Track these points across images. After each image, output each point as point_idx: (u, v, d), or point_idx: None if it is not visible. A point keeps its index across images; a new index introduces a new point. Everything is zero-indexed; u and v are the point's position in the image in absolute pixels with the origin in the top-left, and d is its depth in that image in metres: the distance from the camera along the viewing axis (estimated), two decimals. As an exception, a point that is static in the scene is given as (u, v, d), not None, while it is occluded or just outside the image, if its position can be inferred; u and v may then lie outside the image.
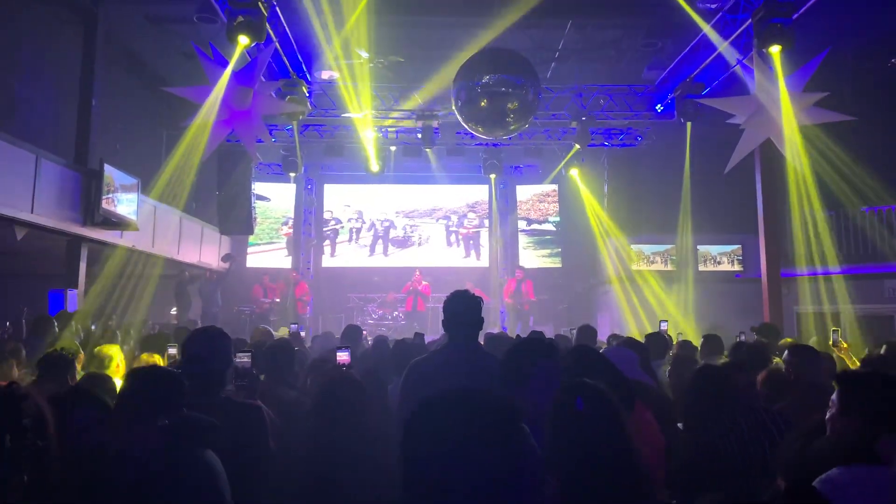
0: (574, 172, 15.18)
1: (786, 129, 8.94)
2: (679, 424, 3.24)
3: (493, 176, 15.63)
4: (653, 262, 15.30)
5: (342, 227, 17.80)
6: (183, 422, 2.25)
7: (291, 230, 17.20)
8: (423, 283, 14.98)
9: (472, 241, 17.88)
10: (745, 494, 2.62)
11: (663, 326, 7.48)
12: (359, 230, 17.79)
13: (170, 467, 2.10)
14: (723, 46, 9.88)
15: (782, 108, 8.80)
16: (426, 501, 1.12)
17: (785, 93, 8.77)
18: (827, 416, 2.23)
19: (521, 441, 1.17)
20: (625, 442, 1.83)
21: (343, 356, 4.13)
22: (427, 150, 13.90)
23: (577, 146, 13.47)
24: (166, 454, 2.11)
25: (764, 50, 8.45)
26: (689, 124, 11.86)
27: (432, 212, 18.00)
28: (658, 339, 6.04)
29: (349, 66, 12.88)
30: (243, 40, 8.21)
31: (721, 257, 15.03)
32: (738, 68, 9.95)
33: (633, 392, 2.58)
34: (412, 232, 17.87)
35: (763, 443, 2.75)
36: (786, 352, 3.96)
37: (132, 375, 2.51)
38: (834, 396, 2.22)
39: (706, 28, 9.66)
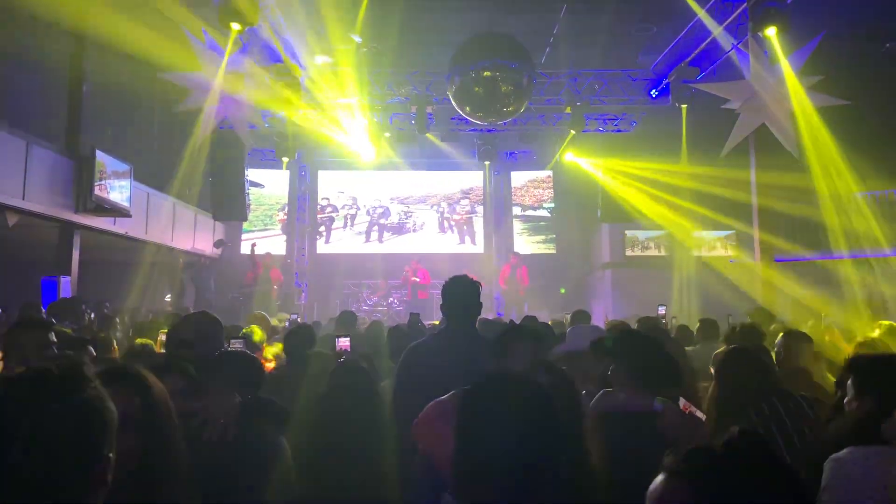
0: (570, 156, 15.13)
1: (795, 107, 8.95)
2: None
3: (487, 162, 15.60)
4: (647, 248, 15.33)
5: (337, 215, 17.75)
6: (264, 402, 2.40)
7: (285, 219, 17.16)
8: (421, 270, 14.98)
9: (465, 228, 17.87)
10: None
11: (661, 311, 7.49)
12: (353, 217, 17.75)
13: (248, 439, 2.19)
14: (717, 31, 9.84)
15: (788, 86, 8.78)
16: (478, 479, 1.24)
17: (790, 72, 8.75)
18: (844, 400, 2.26)
19: (557, 423, 1.31)
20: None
21: (343, 342, 4.13)
22: (421, 135, 13.83)
23: (573, 132, 13.43)
24: (247, 427, 2.20)
25: (759, 34, 8.42)
26: (684, 109, 11.83)
27: (426, 198, 17.96)
28: (652, 324, 6.04)
29: (343, 51, 12.79)
30: (235, 25, 8.14)
31: (715, 242, 15.07)
32: (733, 53, 9.92)
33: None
34: (407, 218, 17.85)
35: (800, 428, 2.65)
36: (780, 335, 3.97)
37: (220, 355, 2.64)
38: (849, 380, 2.25)
39: (700, 13, 9.62)
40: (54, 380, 1.11)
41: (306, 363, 3.97)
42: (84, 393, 1.12)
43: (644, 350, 2.70)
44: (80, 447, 1.09)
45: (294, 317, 8.69)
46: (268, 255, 14.94)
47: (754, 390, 2.77)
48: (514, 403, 1.29)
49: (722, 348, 3.69)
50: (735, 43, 9.72)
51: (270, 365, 4.88)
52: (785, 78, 8.78)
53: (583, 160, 15.03)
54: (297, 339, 4.44)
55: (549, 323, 6.66)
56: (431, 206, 17.93)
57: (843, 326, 6.88)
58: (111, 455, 1.13)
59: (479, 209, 17.98)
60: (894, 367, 2.20)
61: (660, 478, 1.00)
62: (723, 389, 2.90)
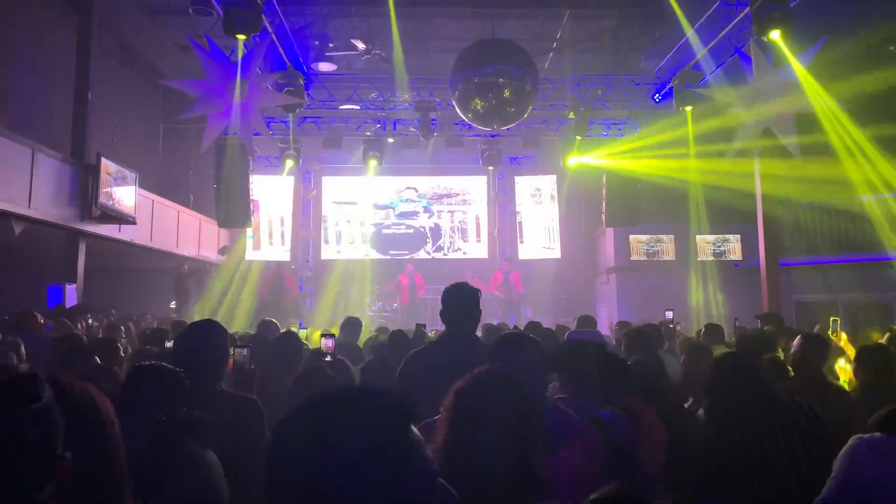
0: (575, 160, 15.11)
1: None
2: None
3: (491, 167, 15.60)
4: (652, 253, 15.30)
5: (340, 222, 17.78)
6: (174, 416, 2.24)
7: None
8: (416, 274, 15.01)
9: (469, 233, 17.87)
10: (773, 493, 2.56)
11: (669, 315, 7.45)
12: (357, 222, 17.76)
13: (159, 461, 2.07)
14: (721, 35, 9.85)
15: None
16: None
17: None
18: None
19: (404, 450, 0.98)
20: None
21: (328, 343, 4.12)
22: (425, 141, 13.85)
23: (578, 138, 13.42)
24: (155, 448, 2.09)
25: (763, 38, 8.41)
26: (689, 113, 11.81)
27: (431, 203, 17.97)
28: (655, 330, 6.04)
29: (346, 57, 12.85)
30: (239, 33, 8.17)
31: (720, 246, 15.03)
32: (736, 56, 9.91)
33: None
34: (412, 221, 17.85)
35: (794, 437, 2.63)
36: (797, 339, 3.95)
37: (134, 371, 2.52)
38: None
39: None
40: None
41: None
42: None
43: (584, 359, 2.74)
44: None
45: (300, 323, 8.68)
46: (271, 274, 15.07)
47: (738, 394, 2.79)
48: (337, 427, 0.95)
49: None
50: (739, 46, 9.72)
51: None
52: (795, 80, 8.75)
53: (587, 158, 15.02)
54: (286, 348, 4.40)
55: (553, 329, 6.66)
56: (435, 212, 17.94)
57: (850, 331, 6.86)
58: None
59: (483, 214, 17.97)
60: None
61: None
62: (713, 393, 2.94)
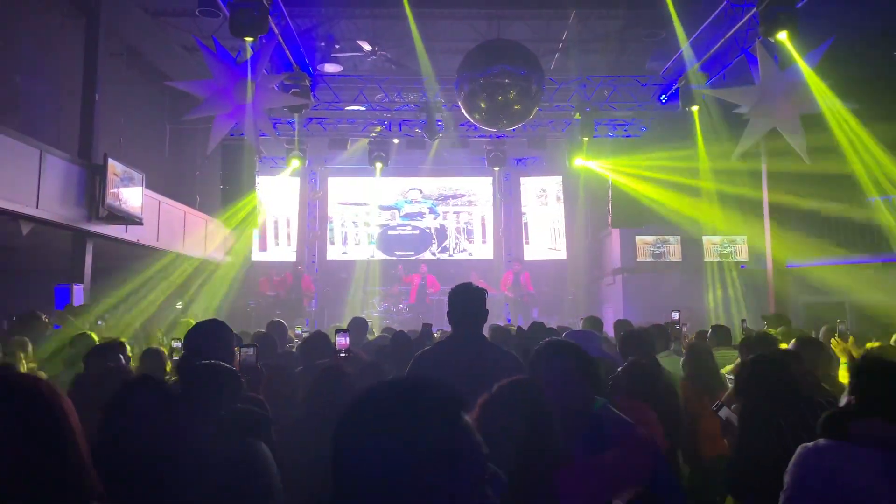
0: (580, 161, 15.10)
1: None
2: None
3: (497, 168, 15.60)
4: (658, 254, 15.26)
5: (346, 223, 17.81)
6: (238, 414, 2.29)
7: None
8: (429, 275, 15.01)
9: (475, 233, 17.87)
10: None
11: (675, 316, 7.42)
12: (362, 223, 17.79)
13: (225, 456, 2.17)
14: (727, 36, 9.82)
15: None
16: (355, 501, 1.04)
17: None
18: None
19: (461, 435, 1.06)
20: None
21: (342, 341, 4.10)
22: (431, 142, 13.85)
23: (585, 139, 13.40)
24: (223, 444, 2.19)
25: (770, 38, 8.39)
26: (696, 113, 11.77)
27: (436, 204, 17.98)
28: (662, 330, 6.02)
29: (352, 58, 12.87)
30: (246, 34, 8.19)
31: (727, 248, 14.97)
32: (742, 57, 9.89)
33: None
34: (418, 222, 17.87)
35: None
36: (792, 342, 3.94)
37: (196, 369, 2.58)
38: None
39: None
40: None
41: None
42: None
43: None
44: None
45: (306, 322, 8.70)
46: (288, 274, 15.15)
47: (781, 400, 2.74)
48: (397, 417, 1.04)
49: (737, 359, 3.66)
50: (745, 47, 9.70)
51: None
52: (802, 80, 8.71)
53: (593, 164, 15.00)
54: (312, 346, 4.44)
55: (556, 328, 6.66)
56: (441, 213, 17.95)
57: (857, 333, 6.81)
58: None
59: (489, 215, 17.97)
60: (882, 375, 2.24)
61: None
62: (748, 400, 2.87)
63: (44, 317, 6.33)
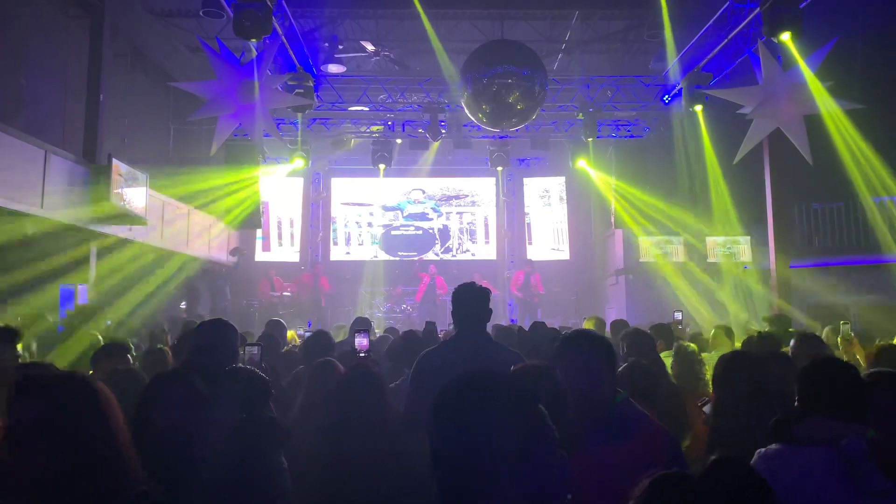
0: (583, 163, 15.10)
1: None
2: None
3: (500, 168, 15.60)
4: (661, 254, 15.23)
5: (349, 223, 17.83)
6: (266, 422, 2.32)
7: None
8: (438, 277, 15.02)
9: (478, 234, 17.88)
10: None
11: (677, 316, 7.44)
12: (366, 223, 17.81)
13: (246, 463, 2.19)
14: (730, 36, 9.82)
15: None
16: (454, 480, 1.19)
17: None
18: None
19: (539, 421, 1.25)
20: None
21: (362, 341, 4.04)
22: (434, 142, 13.87)
23: (589, 140, 13.40)
24: (245, 451, 2.21)
25: (773, 39, 8.38)
26: (700, 113, 11.75)
27: (439, 205, 18.00)
28: (665, 330, 6.01)
29: (356, 59, 12.89)
30: (250, 35, 8.21)
31: (730, 248, 14.93)
32: (746, 57, 9.88)
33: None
34: (420, 223, 17.88)
35: None
36: (792, 340, 3.95)
37: (228, 371, 2.61)
38: None
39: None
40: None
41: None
42: None
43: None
44: None
45: (308, 324, 8.73)
46: (307, 274, 15.21)
47: (748, 396, 2.75)
48: (486, 403, 1.23)
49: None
50: (748, 47, 9.69)
51: None
52: (805, 81, 8.69)
53: (595, 168, 15.02)
54: (316, 346, 4.44)
55: (558, 329, 6.66)
56: (444, 213, 17.96)
57: (863, 333, 6.80)
58: None
59: (492, 216, 17.98)
60: (815, 373, 2.29)
61: None
62: (718, 395, 2.89)
63: (49, 318, 6.37)
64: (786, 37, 8.24)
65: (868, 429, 2.07)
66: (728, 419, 2.76)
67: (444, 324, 7.31)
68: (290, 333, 7.87)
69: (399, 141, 14.72)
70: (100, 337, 4.89)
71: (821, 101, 8.75)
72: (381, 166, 14.35)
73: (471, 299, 3.31)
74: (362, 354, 3.97)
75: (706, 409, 3.24)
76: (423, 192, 17.96)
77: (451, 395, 1.26)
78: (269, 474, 2.25)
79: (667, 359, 4.77)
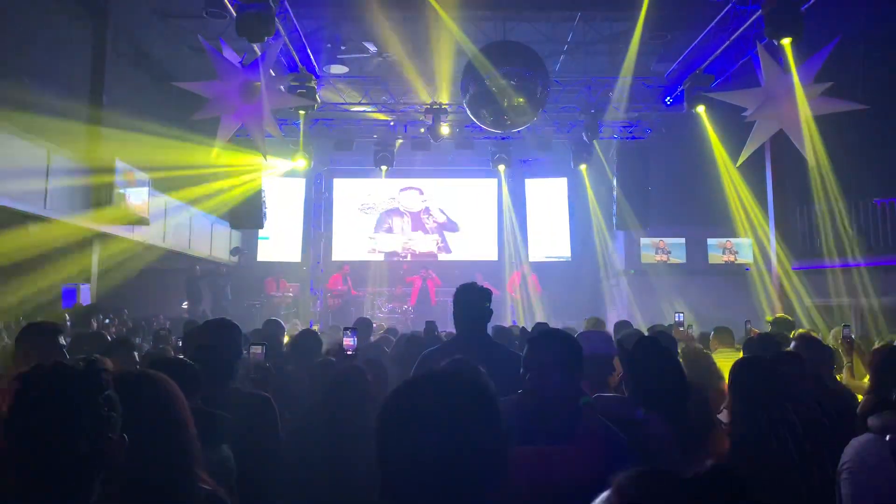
0: (583, 168, 15.12)
1: (801, 120, 8.87)
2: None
3: (502, 169, 15.61)
4: (662, 255, 15.25)
5: (351, 224, 17.84)
6: (196, 414, 2.27)
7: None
8: (429, 279, 15.06)
9: (473, 235, 17.90)
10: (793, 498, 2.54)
11: (679, 318, 7.43)
12: (367, 223, 17.82)
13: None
14: (732, 38, 9.82)
15: (797, 99, 8.70)
16: (400, 480, 1.14)
17: (798, 85, 8.68)
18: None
19: (494, 418, 1.19)
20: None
21: (349, 341, 4.07)
22: (436, 143, 13.87)
23: (594, 142, 13.40)
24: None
25: (774, 41, 8.37)
26: (703, 113, 11.74)
27: (441, 206, 18.01)
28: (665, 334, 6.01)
29: (358, 60, 12.90)
30: (252, 36, 8.23)
31: (732, 249, 14.96)
32: (748, 59, 9.88)
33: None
34: (422, 224, 17.89)
35: (818, 444, 2.63)
36: (793, 341, 3.95)
37: (150, 365, 2.57)
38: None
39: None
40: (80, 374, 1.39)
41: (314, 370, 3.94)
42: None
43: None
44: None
45: (311, 323, 8.75)
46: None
47: (764, 398, 2.75)
48: (438, 401, 1.17)
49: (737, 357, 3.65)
50: (750, 49, 9.69)
51: None
52: (808, 83, 8.69)
53: (598, 167, 15.03)
54: (304, 345, 4.44)
55: (561, 329, 6.64)
56: (446, 214, 17.97)
57: (864, 335, 6.82)
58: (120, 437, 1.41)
59: (494, 216, 17.99)
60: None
61: (603, 496, 0.87)
62: (735, 399, 2.88)
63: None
64: (786, 41, 8.24)
65: None
66: (748, 424, 2.75)
67: (443, 325, 7.30)
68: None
69: (400, 140, 14.68)
70: (107, 336, 4.90)
71: (802, 109, 8.74)
72: (383, 167, 14.36)
73: (471, 300, 3.32)
74: (349, 353, 4.00)
75: (722, 416, 3.23)
76: (426, 193, 17.97)
77: (404, 394, 1.21)
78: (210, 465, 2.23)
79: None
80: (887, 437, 2.17)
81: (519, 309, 15.10)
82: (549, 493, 2.00)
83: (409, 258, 17.16)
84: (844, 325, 6.26)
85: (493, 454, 1.16)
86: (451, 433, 1.13)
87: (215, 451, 2.23)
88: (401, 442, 1.14)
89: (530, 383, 2.25)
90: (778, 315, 9.06)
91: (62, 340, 3.22)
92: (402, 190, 17.86)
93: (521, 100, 9.75)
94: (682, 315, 7.56)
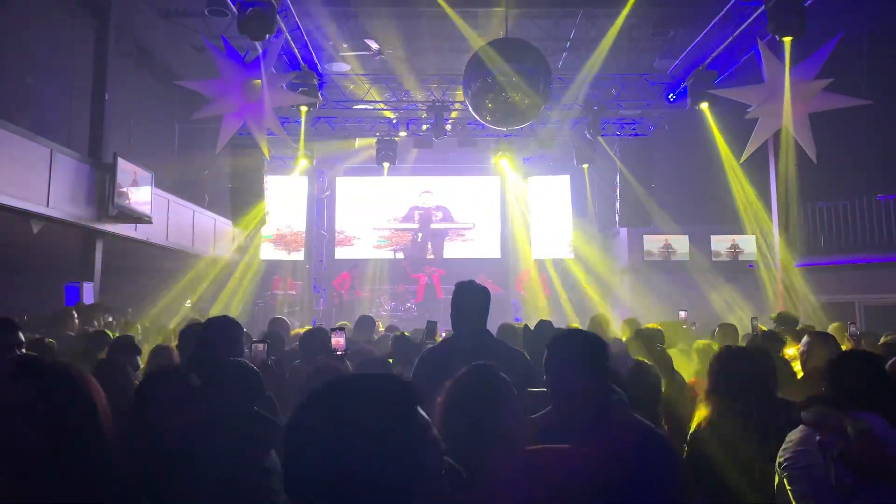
0: (585, 166, 15.11)
1: (792, 118, 8.85)
2: None
3: (504, 167, 15.60)
4: (667, 253, 15.22)
5: (353, 222, 17.85)
6: (255, 420, 2.34)
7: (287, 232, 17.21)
8: (434, 274, 15.07)
9: (476, 233, 17.87)
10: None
11: (682, 315, 7.44)
12: (370, 222, 17.82)
13: (241, 460, 2.22)
14: (735, 34, 9.79)
15: (786, 97, 8.68)
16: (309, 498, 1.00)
17: (800, 82, 8.65)
18: None
19: (413, 431, 1.05)
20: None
21: (338, 340, 4.04)
22: (438, 141, 13.86)
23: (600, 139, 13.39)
24: (237, 456, 2.21)
25: (777, 37, 8.34)
26: (706, 110, 11.70)
27: (444, 204, 18.01)
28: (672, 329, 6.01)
29: (360, 58, 12.89)
30: (254, 34, 8.23)
31: (735, 247, 14.91)
32: (752, 55, 9.86)
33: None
34: (423, 223, 17.88)
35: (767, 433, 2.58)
36: (804, 337, 3.93)
37: (222, 363, 2.62)
38: None
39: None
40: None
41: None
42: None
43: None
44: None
45: (314, 322, 8.76)
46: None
47: (747, 394, 2.73)
48: (350, 411, 1.02)
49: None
50: (753, 46, 9.66)
51: None
52: (811, 79, 8.66)
53: (601, 164, 15.01)
54: (312, 342, 4.44)
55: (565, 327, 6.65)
56: (449, 211, 17.96)
57: (868, 332, 6.79)
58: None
59: (497, 214, 17.97)
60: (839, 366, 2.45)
61: None
62: (712, 384, 2.87)
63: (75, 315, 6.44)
64: (789, 35, 8.20)
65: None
66: (722, 412, 2.74)
67: (445, 322, 7.29)
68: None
69: (403, 133, 14.64)
70: (110, 334, 4.91)
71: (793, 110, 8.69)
72: (386, 165, 14.36)
73: (470, 297, 3.30)
74: (339, 353, 4.00)
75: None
76: (428, 191, 17.97)
77: (313, 403, 1.06)
78: (263, 473, 2.25)
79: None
80: (817, 438, 2.16)
81: (527, 307, 15.11)
82: (571, 493, 1.95)
83: (420, 256, 17.15)
84: (851, 323, 6.25)
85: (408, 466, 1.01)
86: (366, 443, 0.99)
87: (266, 457, 2.25)
88: (308, 451, 1.01)
89: (550, 383, 2.22)
90: (781, 312, 9.04)
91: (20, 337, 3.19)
92: (414, 189, 17.87)
93: (524, 97, 9.73)
94: (685, 312, 7.57)
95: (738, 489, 2.49)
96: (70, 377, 1.52)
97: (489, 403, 1.97)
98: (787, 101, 8.58)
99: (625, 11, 10.27)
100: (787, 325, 6.76)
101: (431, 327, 5.55)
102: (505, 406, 2.00)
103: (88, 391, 1.52)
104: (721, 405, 2.76)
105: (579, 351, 2.26)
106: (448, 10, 10.34)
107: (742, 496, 2.47)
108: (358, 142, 15.17)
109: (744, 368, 2.81)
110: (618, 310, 15.26)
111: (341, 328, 4.27)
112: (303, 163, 13.88)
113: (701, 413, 2.84)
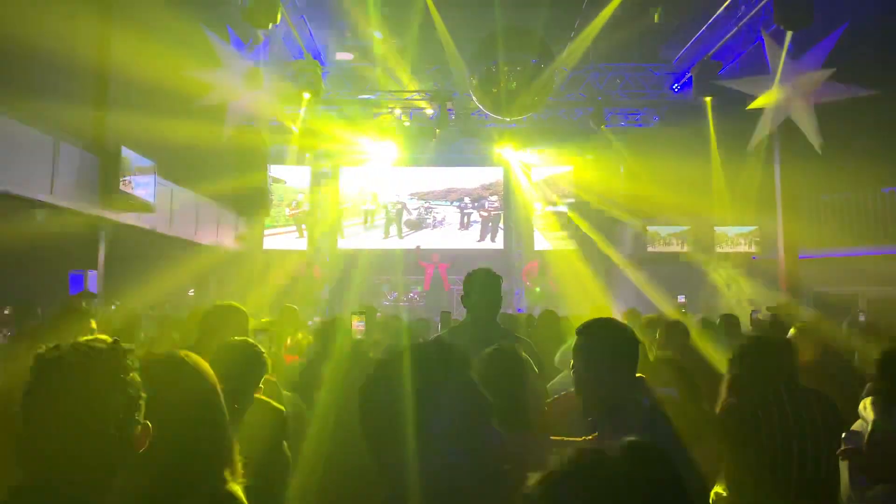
0: (589, 156, 15.07)
1: (797, 108, 8.82)
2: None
3: (507, 157, 15.57)
4: (669, 244, 15.20)
5: (357, 212, 17.83)
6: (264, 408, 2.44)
7: (297, 210, 17.18)
8: (441, 264, 15.08)
9: (490, 224, 17.83)
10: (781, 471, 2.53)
11: (681, 300, 7.46)
12: (373, 212, 17.79)
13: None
14: (740, 24, 9.73)
15: (805, 85, 8.64)
16: (385, 449, 1.18)
17: (805, 72, 8.61)
18: None
19: (472, 388, 1.25)
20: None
21: (359, 326, 4.07)
22: (442, 131, 13.83)
23: (603, 129, 13.34)
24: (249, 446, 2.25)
25: (782, 27, 8.29)
26: (709, 102, 11.66)
27: (447, 193, 17.96)
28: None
29: (363, 47, 12.85)
30: (258, 22, 8.21)
31: (738, 239, 14.88)
32: (757, 45, 9.80)
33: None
34: (426, 214, 17.85)
35: (807, 420, 2.59)
36: (791, 331, 3.93)
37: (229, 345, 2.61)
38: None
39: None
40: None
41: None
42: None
43: None
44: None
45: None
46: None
47: (768, 376, 2.74)
48: (416, 373, 1.22)
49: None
50: (759, 36, 9.61)
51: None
52: (816, 69, 8.61)
53: (604, 155, 14.97)
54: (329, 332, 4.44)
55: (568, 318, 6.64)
56: (451, 202, 17.93)
57: (874, 324, 6.77)
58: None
59: (500, 206, 17.93)
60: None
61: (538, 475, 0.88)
62: (742, 371, 2.86)
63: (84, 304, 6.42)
64: (795, 25, 8.15)
65: None
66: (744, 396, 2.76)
67: (455, 313, 7.30)
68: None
69: (406, 123, 14.59)
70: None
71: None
72: (389, 155, 14.34)
73: (484, 285, 3.27)
74: (359, 337, 4.03)
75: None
76: (431, 182, 17.92)
77: (384, 368, 1.26)
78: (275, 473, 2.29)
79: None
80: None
81: (530, 297, 15.11)
82: None
83: (423, 246, 17.13)
84: (861, 312, 6.25)
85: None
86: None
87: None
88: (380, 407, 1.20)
89: (586, 374, 2.20)
90: (780, 302, 9.05)
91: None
92: (419, 179, 17.83)
93: (527, 87, 9.71)
94: (683, 297, 7.61)
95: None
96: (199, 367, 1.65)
97: (517, 380, 2.06)
98: (808, 87, 8.53)
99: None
100: (788, 314, 6.76)
101: (446, 318, 5.57)
102: (530, 383, 2.11)
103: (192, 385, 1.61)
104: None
105: (605, 346, 2.24)
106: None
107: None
108: (361, 131, 15.12)
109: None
110: (621, 301, 15.27)
111: (363, 312, 4.36)
112: (305, 152, 13.87)
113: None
